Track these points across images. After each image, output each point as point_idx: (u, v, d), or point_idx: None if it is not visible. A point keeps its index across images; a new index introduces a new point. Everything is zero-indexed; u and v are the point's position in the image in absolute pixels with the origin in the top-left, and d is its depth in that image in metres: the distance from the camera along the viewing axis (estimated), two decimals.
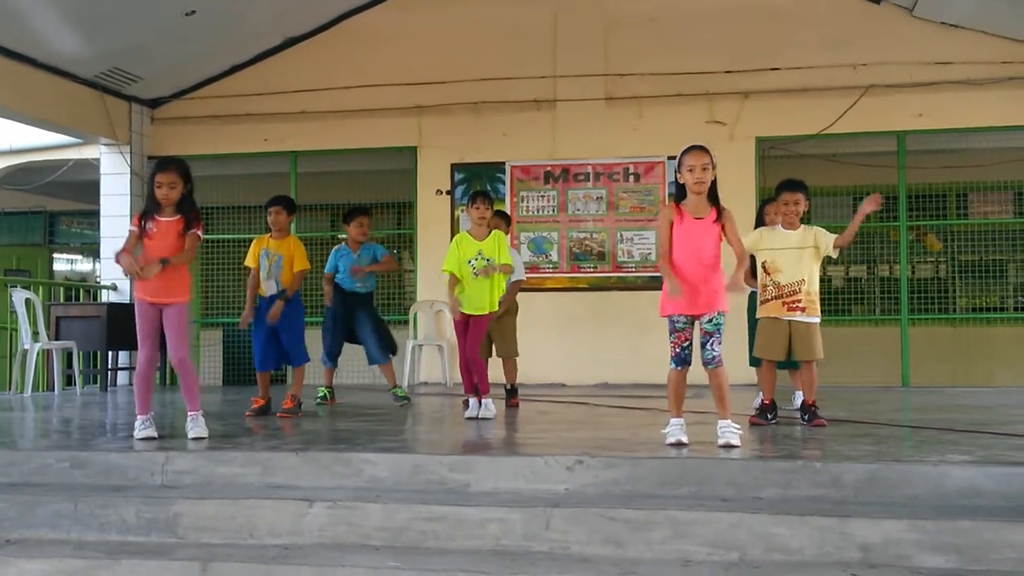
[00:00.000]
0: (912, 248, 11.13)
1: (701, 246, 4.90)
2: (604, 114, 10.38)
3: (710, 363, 4.90)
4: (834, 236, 5.75)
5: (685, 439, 4.79)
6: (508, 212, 9.32)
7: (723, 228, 4.93)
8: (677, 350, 4.94)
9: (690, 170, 4.89)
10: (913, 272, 11.49)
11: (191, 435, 5.25)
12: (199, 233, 5.38)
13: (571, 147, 10.47)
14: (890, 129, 10.04)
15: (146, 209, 5.39)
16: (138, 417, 5.30)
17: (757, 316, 5.90)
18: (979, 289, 11.81)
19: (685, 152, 4.94)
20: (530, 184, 10.59)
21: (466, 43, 10.65)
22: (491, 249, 6.41)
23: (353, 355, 7.87)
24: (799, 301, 5.73)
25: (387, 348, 7.59)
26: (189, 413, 5.37)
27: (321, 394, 7.72)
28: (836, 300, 11.09)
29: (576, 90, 10.38)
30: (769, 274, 5.82)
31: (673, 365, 4.98)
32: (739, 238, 5.00)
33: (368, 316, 7.54)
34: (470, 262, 6.39)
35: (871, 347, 10.43)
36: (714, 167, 4.91)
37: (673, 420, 4.91)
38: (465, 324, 6.41)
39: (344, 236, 7.80)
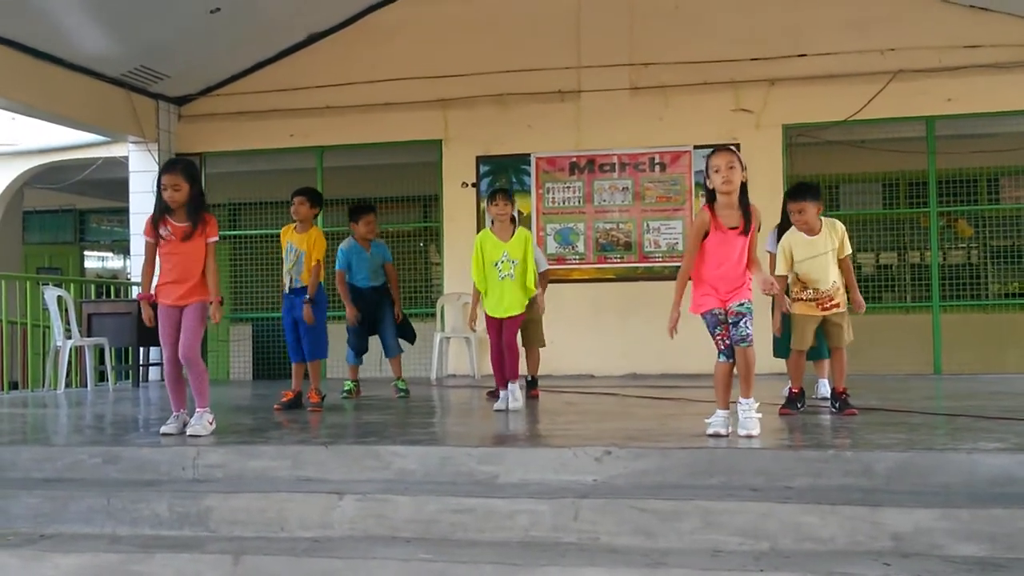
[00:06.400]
0: (943, 234, 10.97)
1: (730, 257, 4.87)
2: (629, 104, 10.33)
3: (742, 341, 4.85)
4: (848, 253, 5.66)
5: (724, 432, 4.75)
6: (522, 210, 9.34)
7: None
8: (723, 345, 4.92)
9: (716, 171, 4.83)
10: (944, 258, 11.34)
11: (188, 432, 5.16)
12: (213, 239, 5.33)
13: (596, 138, 10.43)
14: (919, 114, 9.91)
15: (157, 215, 5.31)
16: (173, 413, 5.36)
17: (791, 311, 5.67)
18: (1012, 275, 11.65)
19: (710, 154, 4.91)
20: (556, 175, 10.56)
21: (489, 35, 10.63)
22: (517, 250, 6.28)
23: (379, 350, 7.91)
24: (833, 300, 5.67)
25: (407, 338, 7.80)
26: (197, 409, 5.32)
27: (347, 387, 7.77)
28: (867, 287, 10.96)
29: (601, 80, 10.34)
30: (806, 285, 5.68)
31: (721, 358, 4.95)
32: (755, 254, 4.95)
33: (391, 309, 7.65)
34: (496, 264, 6.27)
35: (902, 334, 10.32)
36: (744, 168, 4.87)
37: (719, 411, 4.87)
38: (498, 323, 6.33)
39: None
